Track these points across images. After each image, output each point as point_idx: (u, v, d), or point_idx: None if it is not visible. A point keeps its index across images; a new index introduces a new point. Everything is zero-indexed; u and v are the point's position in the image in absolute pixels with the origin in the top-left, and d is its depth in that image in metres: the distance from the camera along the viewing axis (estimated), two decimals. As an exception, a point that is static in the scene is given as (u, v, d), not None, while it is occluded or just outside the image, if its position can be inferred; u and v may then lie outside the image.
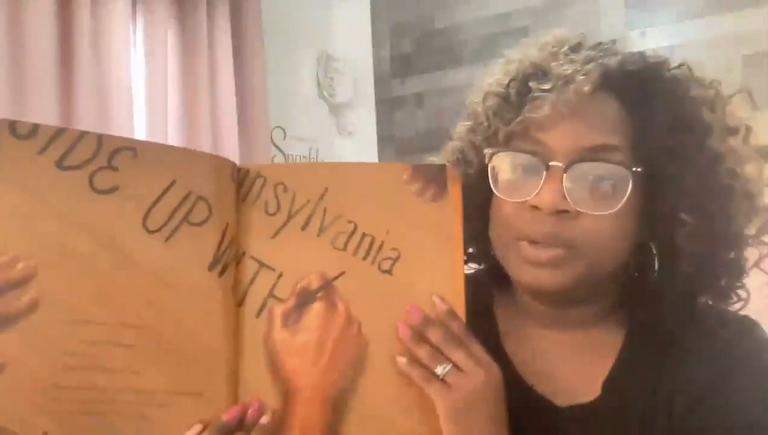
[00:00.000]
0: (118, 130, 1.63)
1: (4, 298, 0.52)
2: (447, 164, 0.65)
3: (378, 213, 0.62)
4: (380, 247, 0.61)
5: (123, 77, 1.65)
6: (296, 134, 2.32)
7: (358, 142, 2.62)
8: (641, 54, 0.61)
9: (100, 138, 0.56)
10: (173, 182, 0.57)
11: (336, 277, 0.60)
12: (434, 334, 0.58)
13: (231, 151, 1.93)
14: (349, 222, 0.61)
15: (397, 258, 0.62)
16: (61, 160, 0.54)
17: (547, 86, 0.58)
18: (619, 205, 0.57)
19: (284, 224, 0.61)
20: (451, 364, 0.57)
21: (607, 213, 0.57)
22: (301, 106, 2.38)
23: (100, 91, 1.62)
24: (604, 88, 0.58)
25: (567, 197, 0.57)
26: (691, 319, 0.61)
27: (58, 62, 1.52)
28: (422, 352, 0.58)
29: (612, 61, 0.59)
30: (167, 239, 0.56)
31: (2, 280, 0.52)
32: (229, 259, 0.59)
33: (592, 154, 0.57)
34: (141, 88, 1.74)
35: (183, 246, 0.57)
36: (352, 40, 2.60)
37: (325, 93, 2.46)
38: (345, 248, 0.61)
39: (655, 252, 0.62)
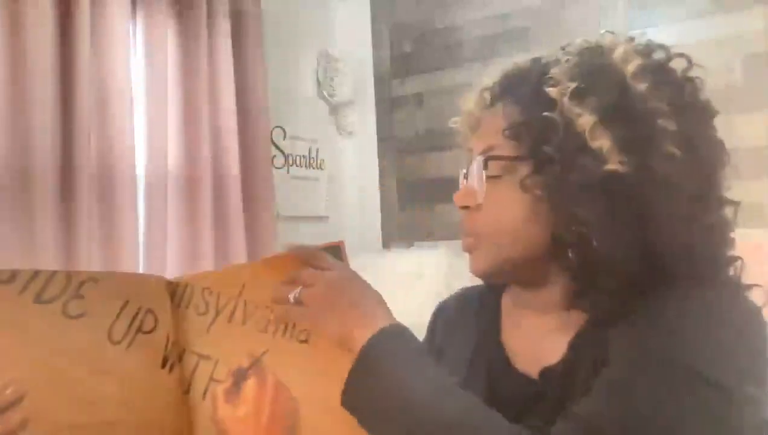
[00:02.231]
0: (118, 130, 1.63)
1: None
2: (341, 242, 0.73)
3: None
4: (295, 324, 0.72)
5: (123, 77, 1.65)
6: (296, 134, 2.32)
7: (358, 142, 2.62)
8: (537, 60, 0.69)
9: (69, 274, 0.66)
10: (127, 301, 0.68)
11: (262, 354, 0.71)
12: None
13: (231, 150, 1.93)
14: (267, 307, 0.71)
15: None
16: (38, 296, 0.63)
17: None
18: (482, 193, 0.66)
19: (213, 320, 0.72)
20: (300, 288, 0.68)
21: (480, 202, 0.67)
22: (301, 106, 2.38)
23: (100, 91, 1.62)
24: (505, 94, 0.68)
25: (466, 195, 0.69)
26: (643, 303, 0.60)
27: (58, 62, 1.52)
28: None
29: (511, 69, 0.70)
30: (128, 347, 0.67)
31: None
32: (174, 356, 0.70)
33: (483, 156, 0.67)
34: (141, 88, 1.74)
35: (140, 351, 0.67)
36: (352, 40, 2.60)
37: (325, 93, 2.47)
38: (266, 330, 0.71)
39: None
